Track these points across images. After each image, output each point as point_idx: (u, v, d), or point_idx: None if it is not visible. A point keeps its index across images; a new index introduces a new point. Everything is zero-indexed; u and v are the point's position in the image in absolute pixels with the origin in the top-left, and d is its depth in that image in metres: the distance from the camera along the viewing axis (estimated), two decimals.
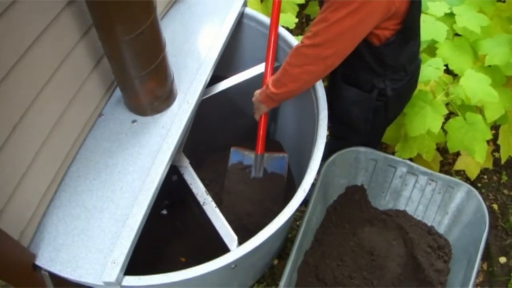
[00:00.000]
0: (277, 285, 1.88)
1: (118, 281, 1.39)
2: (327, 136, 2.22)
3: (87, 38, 1.54)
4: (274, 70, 2.01)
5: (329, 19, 1.47)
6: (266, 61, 2.04)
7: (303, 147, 2.08)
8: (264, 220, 1.80)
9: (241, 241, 1.58)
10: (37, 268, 1.43)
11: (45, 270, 1.43)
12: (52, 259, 1.43)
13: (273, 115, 2.44)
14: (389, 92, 1.85)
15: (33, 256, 1.43)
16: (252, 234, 1.54)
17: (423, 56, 2.29)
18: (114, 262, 1.40)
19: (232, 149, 2.23)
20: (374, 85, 1.84)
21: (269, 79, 1.80)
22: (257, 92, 1.93)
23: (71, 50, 1.48)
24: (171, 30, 2.02)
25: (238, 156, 2.23)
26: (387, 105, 1.92)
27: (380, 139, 2.42)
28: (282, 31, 2.06)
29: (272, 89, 1.76)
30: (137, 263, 1.51)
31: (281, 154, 2.25)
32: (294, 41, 2.04)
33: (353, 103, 1.94)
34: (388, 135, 2.45)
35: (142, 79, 1.58)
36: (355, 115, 1.99)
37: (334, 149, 2.18)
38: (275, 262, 2.49)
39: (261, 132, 2.12)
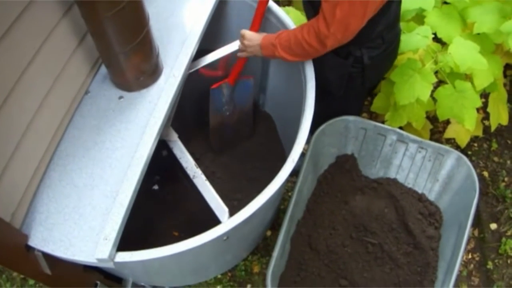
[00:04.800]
0: (271, 256, 1.90)
1: (111, 258, 1.40)
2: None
3: (70, 15, 1.52)
4: None
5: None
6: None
7: (293, 117, 2.08)
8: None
9: None
10: (30, 249, 1.43)
11: (38, 250, 1.43)
12: (44, 239, 1.44)
13: (261, 86, 2.44)
14: (366, 60, 1.86)
15: (26, 237, 1.43)
16: None
17: (411, 24, 2.28)
18: (106, 239, 1.40)
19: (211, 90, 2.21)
20: (350, 52, 1.85)
21: (277, 41, 1.79)
22: (256, 37, 1.89)
23: (53, 28, 1.45)
24: (156, 5, 1.99)
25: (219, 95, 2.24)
26: (364, 72, 1.93)
27: (359, 110, 2.41)
28: (272, 4, 2.04)
29: (282, 54, 1.78)
30: (131, 239, 1.52)
31: (246, 80, 2.26)
32: (285, 16, 2.03)
33: (329, 68, 1.95)
34: (378, 104, 2.45)
35: (126, 54, 1.56)
36: (331, 80, 2.00)
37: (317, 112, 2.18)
38: (268, 233, 2.51)
39: (240, 66, 2.14)
